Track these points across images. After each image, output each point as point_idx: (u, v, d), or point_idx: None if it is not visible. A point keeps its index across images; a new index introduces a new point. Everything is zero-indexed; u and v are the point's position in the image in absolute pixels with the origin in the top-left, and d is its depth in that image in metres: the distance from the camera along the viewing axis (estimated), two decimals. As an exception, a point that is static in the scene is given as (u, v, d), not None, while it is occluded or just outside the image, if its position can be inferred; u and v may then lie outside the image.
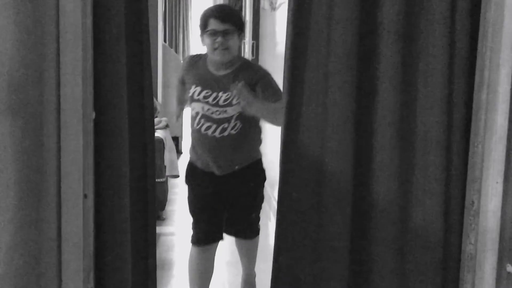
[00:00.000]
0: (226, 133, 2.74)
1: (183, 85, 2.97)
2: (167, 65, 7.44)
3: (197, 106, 2.77)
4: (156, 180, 3.49)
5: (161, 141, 4.47)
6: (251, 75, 2.73)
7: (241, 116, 2.74)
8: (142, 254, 1.90)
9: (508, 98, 1.47)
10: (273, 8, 5.56)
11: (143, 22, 1.77)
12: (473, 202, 1.71)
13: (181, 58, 9.03)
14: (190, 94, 2.81)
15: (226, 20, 2.70)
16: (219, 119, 2.73)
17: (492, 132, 1.56)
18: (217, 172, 2.82)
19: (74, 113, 1.58)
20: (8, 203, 1.38)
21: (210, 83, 2.75)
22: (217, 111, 2.71)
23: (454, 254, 1.78)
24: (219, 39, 2.67)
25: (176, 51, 10.65)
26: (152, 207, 1.85)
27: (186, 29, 11.18)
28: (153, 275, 1.97)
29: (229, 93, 2.71)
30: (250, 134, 2.85)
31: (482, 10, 1.63)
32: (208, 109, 2.73)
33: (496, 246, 1.57)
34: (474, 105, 1.70)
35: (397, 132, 1.75)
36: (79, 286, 1.68)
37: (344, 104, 1.74)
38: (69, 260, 1.66)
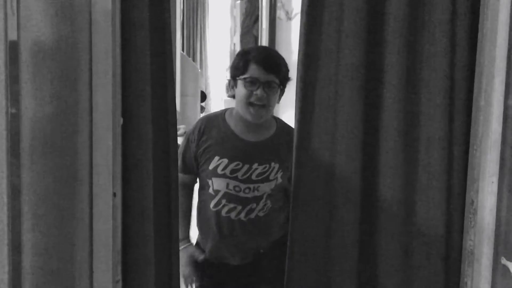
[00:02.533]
0: (253, 215, 2.24)
1: (191, 172, 2.31)
2: (185, 74, 7.61)
3: (219, 183, 2.21)
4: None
5: (178, 147, 4.63)
6: (291, 143, 2.04)
7: (273, 194, 2.24)
8: (165, 251, 2.05)
9: (502, 103, 1.60)
10: (289, 18, 5.72)
11: (166, 34, 1.92)
12: (472, 201, 1.84)
13: (198, 67, 9.20)
14: (211, 168, 2.21)
15: (272, 70, 2.16)
16: (247, 198, 2.21)
17: (488, 135, 1.69)
18: (234, 261, 2.32)
19: (105, 119, 1.73)
20: (46, 202, 1.54)
21: (241, 153, 2.21)
22: (247, 188, 2.19)
23: (456, 249, 1.90)
24: (259, 91, 2.13)
25: (194, 60, 10.84)
26: (176, 206, 2.00)
27: (203, 39, 11.37)
28: (176, 271, 2.11)
29: (267, 165, 2.19)
30: (280, 214, 2.31)
31: (480, 26, 1.77)
32: (235, 187, 2.19)
33: (492, 241, 1.70)
34: (473, 112, 1.83)
35: (402, 136, 1.88)
36: (109, 278, 1.83)
37: (353, 110, 1.88)
38: (99, 254, 1.81)
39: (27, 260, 1.46)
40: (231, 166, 2.21)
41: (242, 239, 2.25)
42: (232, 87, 2.24)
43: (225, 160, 2.21)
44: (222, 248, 2.28)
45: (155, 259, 1.95)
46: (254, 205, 2.22)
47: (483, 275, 1.72)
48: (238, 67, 2.17)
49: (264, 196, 2.23)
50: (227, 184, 2.20)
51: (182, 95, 7.57)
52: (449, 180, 1.88)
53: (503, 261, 1.64)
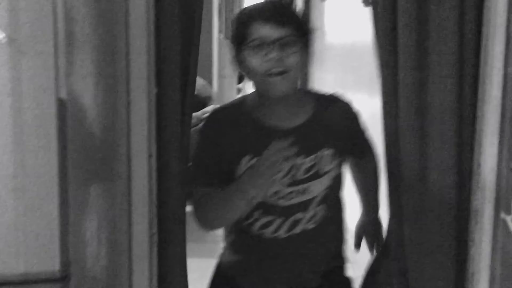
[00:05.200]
0: (298, 230, 1.72)
1: (213, 184, 1.77)
2: (223, 57, 7.80)
3: None
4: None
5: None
6: (343, 121, 1.79)
7: (327, 196, 1.75)
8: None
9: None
10: (322, -1, 5.84)
11: (196, 19, 2.08)
12: (479, 164, 1.98)
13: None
14: (241, 174, 1.68)
15: (283, 22, 1.63)
16: (290, 207, 1.70)
17: (489, 104, 1.84)
18: None
19: (140, 85, 1.94)
20: (91, 161, 1.75)
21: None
22: (291, 192, 1.69)
23: (465, 210, 2.05)
24: (273, 53, 1.61)
25: (232, 42, 10.98)
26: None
27: (241, 21, 11.48)
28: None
29: (315, 155, 1.69)
30: (335, 225, 1.83)
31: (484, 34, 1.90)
32: (275, 193, 1.69)
33: (493, 198, 1.85)
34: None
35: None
36: (145, 231, 2.04)
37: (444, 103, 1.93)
38: (137, 207, 2.02)
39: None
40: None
41: (280, 263, 1.72)
42: (239, 62, 1.73)
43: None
44: (255, 274, 1.76)
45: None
46: (301, 214, 1.69)
47: (485, 230, 1.87)
48: (239, 32, 1.67)
49: (316, 200, 1.71)
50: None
51: (219, 76, 7.77)
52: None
53: (502, 215, 1.79)
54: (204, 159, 1.83)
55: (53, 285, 1.53)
